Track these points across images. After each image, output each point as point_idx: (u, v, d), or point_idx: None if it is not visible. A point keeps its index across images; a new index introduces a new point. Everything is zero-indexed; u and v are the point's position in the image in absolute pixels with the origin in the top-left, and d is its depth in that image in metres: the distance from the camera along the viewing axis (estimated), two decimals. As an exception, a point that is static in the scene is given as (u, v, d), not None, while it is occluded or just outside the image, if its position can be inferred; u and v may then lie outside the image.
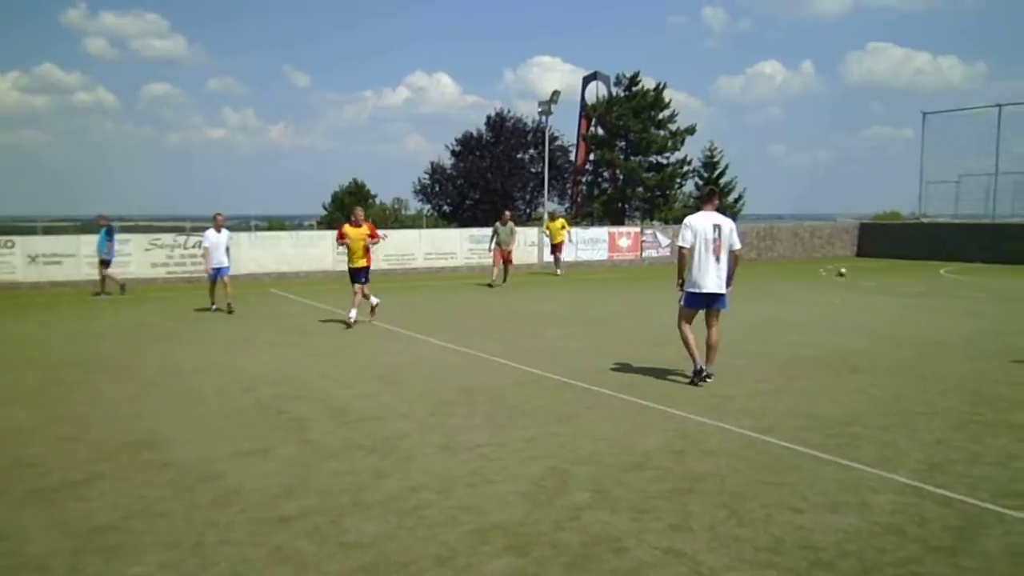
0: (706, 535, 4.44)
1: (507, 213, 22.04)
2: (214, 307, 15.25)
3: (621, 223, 42.73)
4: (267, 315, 15.11)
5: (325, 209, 59.58)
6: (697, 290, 8.37)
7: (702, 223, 8.37)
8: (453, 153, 49.41)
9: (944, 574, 4.00)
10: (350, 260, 13.34)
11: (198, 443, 6.44)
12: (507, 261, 21.11)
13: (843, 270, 23.35)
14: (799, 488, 5.20)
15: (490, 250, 21.45)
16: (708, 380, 8.31)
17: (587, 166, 49.79)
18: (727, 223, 8.45)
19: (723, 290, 8.39)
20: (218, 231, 15.23)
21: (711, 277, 8.31)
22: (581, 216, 47.35)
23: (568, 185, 50.47)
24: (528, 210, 50.78)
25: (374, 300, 13.49)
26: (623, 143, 46.77)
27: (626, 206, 47.96)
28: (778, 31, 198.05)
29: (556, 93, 32.36)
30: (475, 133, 49.18)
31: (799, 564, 4.10)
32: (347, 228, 13.28)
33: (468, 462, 5.78)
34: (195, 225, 25.18)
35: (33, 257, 21.19)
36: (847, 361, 9.65)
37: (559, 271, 24.26)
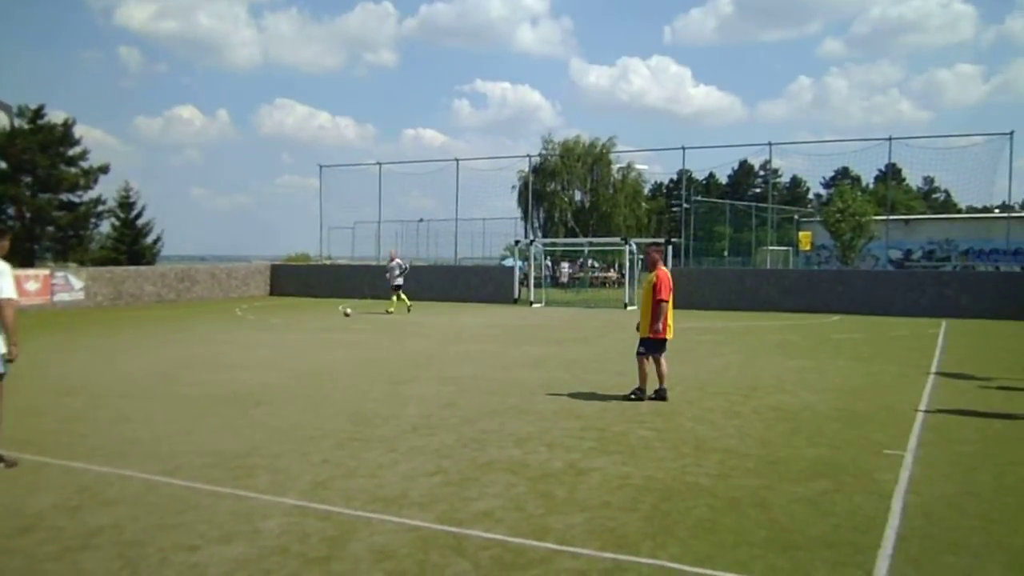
0: (96, 591, 4.16)
1: None
2: None
3: (30, 264, 37.91)
4: None
5: None
6: None
7: None
8: None
9: (320, 582, 4.33)
10: None
11: None
12: None
13: (348, 310, 23.25)
14: (196, 526, 5.16)
15: None
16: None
17: (-11, 201, 43.24)
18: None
19: None
20: None
21: None
22: (-20, 257, 40.87)
23: (-38, 222, 43.26)
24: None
25: None
26: (30, 179, 41.68)
27: (36, 246, 42.72)
28: (194, 78, 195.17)
29: (-58, 122, 27.60)
30: None
31: (190, 601, 4.07)
32: None
33: None
34: None
35: None
36: (252, 395, 9.87)
37: None
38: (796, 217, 49.89)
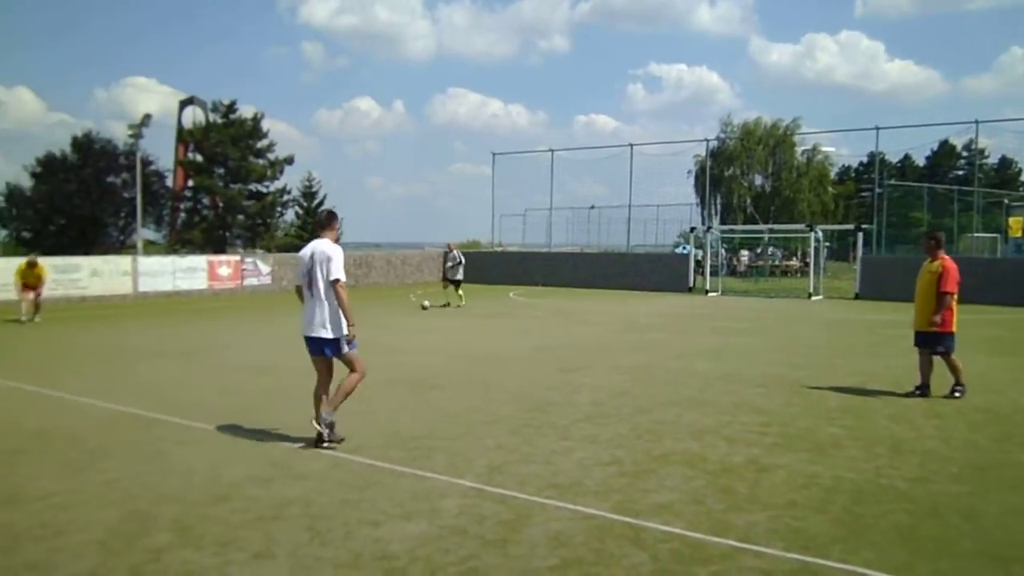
0: (289, 560, 4.46)
1: None
2: None
3: (222, 251, 41.17)
4: None
5: None
6: (303, 333, 7.04)
7: (304, 253, 7.06)
8: (34, 175, 43.97)
9: (496, 564, 4.43)
10: None
11: None
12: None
13: (425, 303, 21.78)
14: (379, 502, 5.43)
15: None
16: (326, 444, 6.81)
17: (186, 192, 47.30)
18: (323, 250, 6.91)
19: (321, 332, 6.89)
20: None
21: (307, 318, 6.95)
22: (180, 244, 44.80)
23: (165, 212, 47.50)
24: (122, 237, 46.85)
25: None
26: (222, 170, 45.21)
27: (227, 234, 46.35)
28: (372, 71, 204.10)
29: (147, 116, 30.55)
30: (60, 155, 44.27)
31: (375, 575, 4.29)
32: None
33: (37, 514, 5.18)
34: None
35: None
36: (428, 379, 10.25)
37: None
38: (1006, 201, 45.79)
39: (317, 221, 7.38)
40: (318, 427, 6.82)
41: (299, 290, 7.10)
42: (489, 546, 4.67)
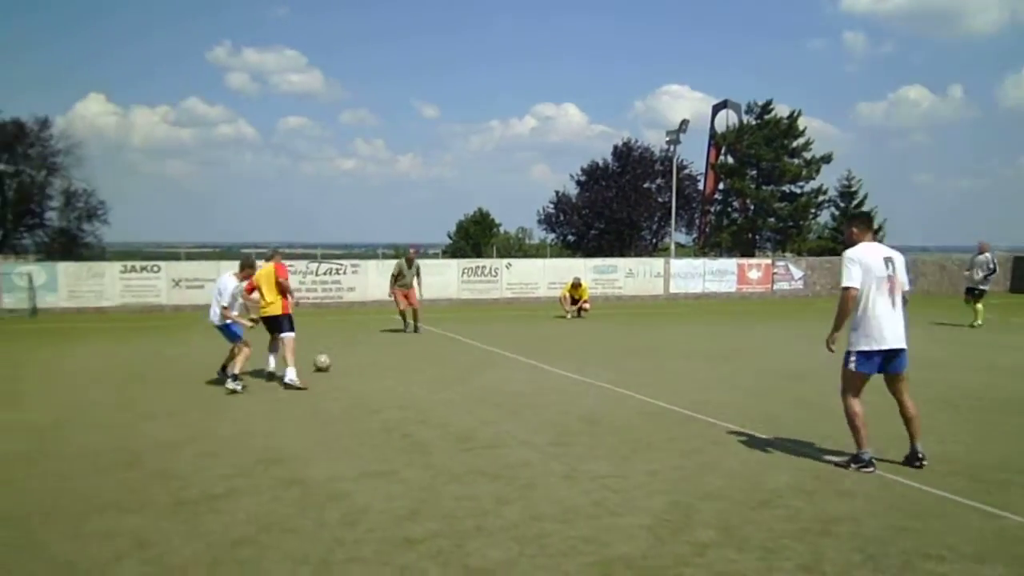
0: (839, 579, 4.27)
1: (412, 251, 17.94)
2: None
3: (751, 254, 41.92)
4: (392, 341, 15.52)
5: (450, 238, 61.07)
6: (874, 347, 6.34)
7: (872, 256, 6.43)
8: (578, 183, 49.74)
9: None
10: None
11: (327, 462, 6.67)
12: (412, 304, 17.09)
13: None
14: (944, 536, 4.92)
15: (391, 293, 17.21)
16: (922, 464, 6.47)
17: (716, 196, 49.13)
18: (898, 256, 6.53)
19: (905, 344, 6.41)
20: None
21: (890, 328, 6.33)
22: (708, 247, 46.68)
23: (696, 215, 49.94)
24: (655, 240, 50.47)
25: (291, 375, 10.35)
26: (754, 172, 45.91)
27: (756, 237, 46.99)
28: (924, 55, 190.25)
29: (685, 122, 32.19)
30: (601, 163, 49.39)
31: (942, 616, 3.90)
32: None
33: (590, 493, 5.76)
34: (326, 252, 26.19)
35: (177, 281, 22.58)
36: (998, 402, 9.12)
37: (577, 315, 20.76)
38: None
39: (869, 224, 6.82)
40: (917, 449, 6.56)
41: (854, 296, 6.39)
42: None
